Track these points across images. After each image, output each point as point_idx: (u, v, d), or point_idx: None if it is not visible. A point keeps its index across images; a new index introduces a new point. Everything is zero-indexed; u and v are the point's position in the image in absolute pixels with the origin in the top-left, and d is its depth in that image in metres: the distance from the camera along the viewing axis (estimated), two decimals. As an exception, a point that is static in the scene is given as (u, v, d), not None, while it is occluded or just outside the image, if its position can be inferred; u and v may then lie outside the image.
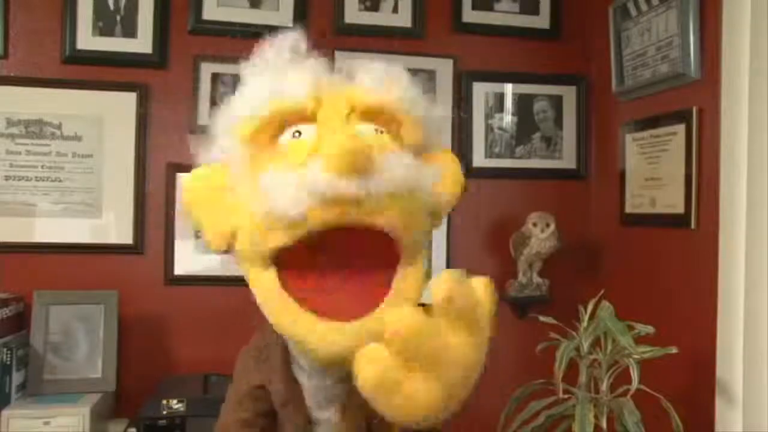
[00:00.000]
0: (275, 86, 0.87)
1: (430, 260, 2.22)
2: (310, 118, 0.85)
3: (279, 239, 0.82)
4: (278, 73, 0.88)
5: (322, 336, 0.81)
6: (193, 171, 0.93)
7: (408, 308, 0.72)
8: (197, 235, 1.99)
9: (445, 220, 2.09)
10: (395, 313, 0.70)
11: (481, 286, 0.76)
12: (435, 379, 0.70)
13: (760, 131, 1.48)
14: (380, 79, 0.89)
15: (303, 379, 0.97)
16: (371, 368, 0.70)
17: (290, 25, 2.03)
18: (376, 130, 0.87)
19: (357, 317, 0.81)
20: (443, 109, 1.01)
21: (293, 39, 0.93)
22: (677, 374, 1.68)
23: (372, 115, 0.87)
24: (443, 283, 0.71)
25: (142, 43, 1.98)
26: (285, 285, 0.84)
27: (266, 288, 0.85)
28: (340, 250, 0.84)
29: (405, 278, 0.86)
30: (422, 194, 0.86)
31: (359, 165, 0.75)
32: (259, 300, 0.87)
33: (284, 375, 0.98)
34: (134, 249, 1.96)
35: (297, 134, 0.85)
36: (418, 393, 0.70)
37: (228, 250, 0.91)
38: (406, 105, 0.88)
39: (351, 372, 0.87)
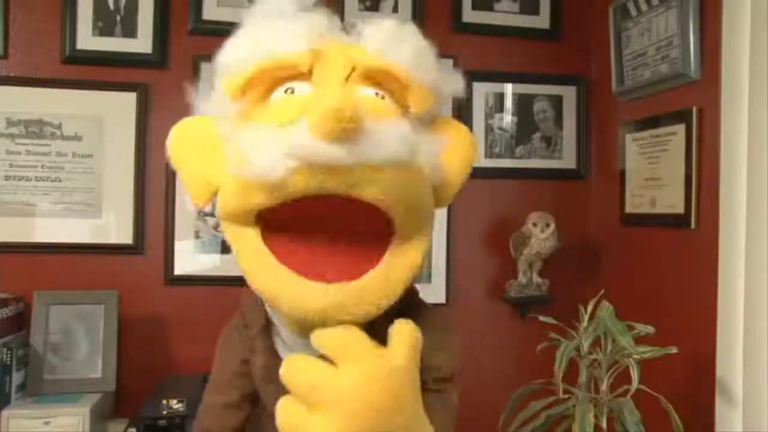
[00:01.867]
0: (270, 39, 0.80)
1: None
2: (305, 75, 0.79)
3: (258, 199, 0.76)
4: (275, 24, 0.81)
5: (301, 294, 0.75)
6: (182, 120, 0.89)
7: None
8: (197, 235, 1.99)
9: (445, 220, 2.12)
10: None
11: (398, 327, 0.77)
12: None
13: (760, 131, 1.48)
14: (388, 38, 0.82)
15: (283, 354, 0.91)
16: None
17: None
18: (378, 94, 0.80)
19: (341, 279, 0.76)
20: (460, 80, 0.91)
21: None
22: (677, 374, 1.68)
23: (375, 77, 0.80)
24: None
25: (142, 43, 1.98)
26: (267, 242, 0.79)
27: (246, 245, 0.80)
28: (331, 216, 0.78)
29: (398, 254, 0.80)
30: (420, 168, 0.79)
31: (346, 129, 0.68)
32: (238, 258, 0.81)
33: (266, 349, 0.92)
34: (134, 249, 1.96)
35: (290, 91, 0.79)
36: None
37: (212, 211, 0.86)
38: (413, 69, 0.80)
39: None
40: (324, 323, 0.76)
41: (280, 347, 0.92)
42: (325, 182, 0.72)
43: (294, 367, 0.77)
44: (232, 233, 0.82)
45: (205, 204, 0.84)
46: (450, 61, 2.14)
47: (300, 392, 0.76)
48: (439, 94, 0.85)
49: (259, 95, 0.80)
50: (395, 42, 0.82)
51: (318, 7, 0.86)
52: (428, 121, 0.85)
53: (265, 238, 0.80)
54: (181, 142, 0.87)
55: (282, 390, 0.86)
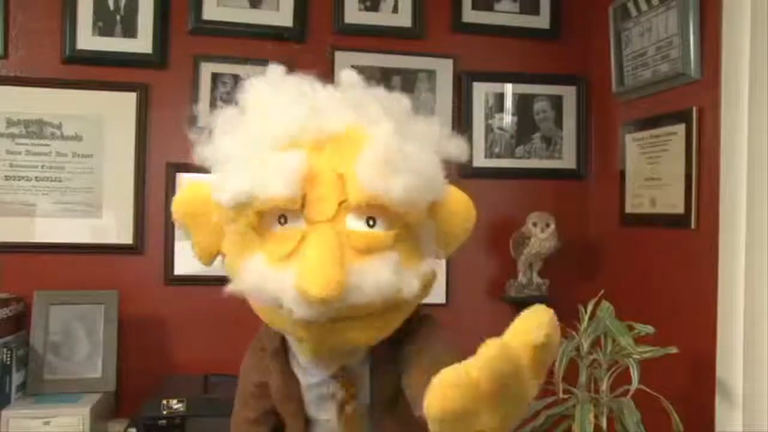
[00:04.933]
0: (260, 178, 0.82)
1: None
2: (298, 210, 0.83)
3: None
4: (263, 159, 0.84)
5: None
6: (182, 190, 0.98)
7: (504, 349, 0.65)
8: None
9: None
10: (492, 352, 0.64)
11: (553, 324, 0.73)
12: (502, 413, 0.66)
13: (760, 131, 1.48)
14: (381, 163, 0.81)
15: (300, 376, 0.98)
16: (451, 393, 0.62)
17: (290, 25, 2.03)
18: (368, 220, 0.84)
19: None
20: (464, 148, 0.95)
21: (277, 74, 0.92)
22: (677, 374, 1.68)
23: (365, 208, 0.83)
24: (542, 327, 0.68)
25: (142, 43, 1.98)
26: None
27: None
28: None
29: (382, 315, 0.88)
30: (407, 293, 0.85)
31: (331, 302, 0.77)
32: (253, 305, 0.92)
33: (282, 371, 0.98)
34: (134, 249, 1.96)
35: (282, 220, 0.85)
36: (486, 426, 0.65)
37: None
38: (404, 200, 0.82)
39: (347, 371, 0.90)
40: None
41: (296, 368, 0.98)
42: (315, 319, 0.81)
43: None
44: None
45: (208, 264, 0.98)
46: (450, 61, 2.15)
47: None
48: (436, 187, 0.89)
49: (253, 220, 0.86)
50: (389, 167, 0.82)
51: (312, 82, 0.91)
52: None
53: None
54: (183, 210, 0.95)
55: (298, 408, 0.98)
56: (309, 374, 0.96)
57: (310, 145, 0.84)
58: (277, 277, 0.81)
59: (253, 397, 1.04)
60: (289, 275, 0.79)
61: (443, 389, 0.61)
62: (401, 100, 0.95)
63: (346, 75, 0.93)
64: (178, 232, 1.98)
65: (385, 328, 0.88)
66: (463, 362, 0.63)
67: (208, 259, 0.95)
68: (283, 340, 0.99)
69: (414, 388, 0.86)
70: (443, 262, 2.14)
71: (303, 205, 0.83)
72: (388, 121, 0.85)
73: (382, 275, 0.82)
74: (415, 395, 0.84)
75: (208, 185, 0.91)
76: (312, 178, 0.83)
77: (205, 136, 0.92)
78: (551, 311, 0.70)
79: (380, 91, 0.94)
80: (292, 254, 0.81)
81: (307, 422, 1.01)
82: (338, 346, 0.88)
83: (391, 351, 0.92)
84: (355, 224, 0.83)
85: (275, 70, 0.93)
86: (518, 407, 0.67)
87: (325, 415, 0.98)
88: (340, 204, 0.83)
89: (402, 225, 0.85)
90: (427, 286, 0.91)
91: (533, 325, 0.68)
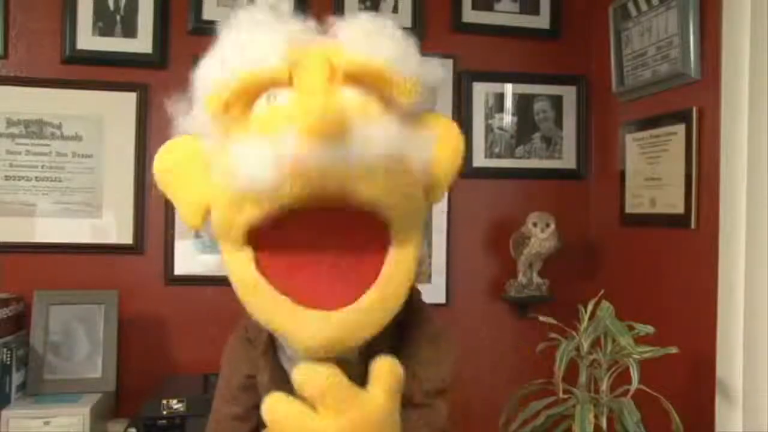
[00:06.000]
0: (246, 51, 0.77)
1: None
2: (286, 83, 0.76)
3: (251, 213, 0.74)
4: (250, 36, 0.79)
5: (305, 326, 0.74)
6: (166, 143, 0.87)
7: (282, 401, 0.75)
8: (197, 234, 1.99)
9: (445, 220, 2.12)
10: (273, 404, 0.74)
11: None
12: None
13: (759, 131, 1.48)
14: (365, 35, 0.78)
15: (290, 369, 0.88)
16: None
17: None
18: (362, 93, 0.77)
19: (341, 304, 0.75)
20: (440, 69, 0.88)
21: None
22: (677, 374, 1.68)
23: (357, 76, 0.77)
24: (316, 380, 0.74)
25: (142, 43, 1.98)
26: (261, 266, 0.77)
27: (240, 269, 0.77)
28: (324, 232, 0.76)
29: (396, 263, 0.78)
30: (412, 166, 0.77)
31: (334, 130, 0.66)
32: (233, 283, 0.79)
33: (270, 365, 0.92)
34: (134, 249, 1.96)
35: (273, 98, 0.76)
36: None
37: (204, 228, 0.83)
38: (395, 64, 0.77)
39: (340, 362, 0.81)
40: (327, 354, 0.75)
41: (284, 361, 0.91)
42: (320, 186, 0.70)
43: (275, 408, 0.78)
44: (224, 255, 0.80)
45: (200, 226, 0.83)
46: (450, 61, 2.15)
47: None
48: (423, 86, 0.81)
49: (240, 110, 0.78)
50: (373, 37, 0.78)
51: (294, 16, 0.84)
52: (416, 117, 0.82)
53: (259, 261, 0.77)
54: (168, 165, 0.86)
55: None
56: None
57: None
58: (269, 143, 0.70)
59: (244, 390, 0.96)
60: (287, 132, 0.68)
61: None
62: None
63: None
64: (178, 232, 1.98)
65: (393, 298, 0.78)
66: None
67: (199, 218, 0.82)
68: (270, 337, 0.91)
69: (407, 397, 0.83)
70: (444, 262, 2.16)
71: (291, 82, 0.76)
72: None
73: (388, 129, 0.74)
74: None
75: (190, 137, 0.85)
76: (297, 58, 0.77)
77: (186, 106, 0.86)
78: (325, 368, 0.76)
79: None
80: (285, 119, 0.71)
81: None
82: (340, 342, 0.76)
83: (385, 343, 0.85)
84: (350, 94, 0.76)
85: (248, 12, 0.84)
86: None
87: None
88: (329, 77, 0.76)
89: (395, 108, 0.78)
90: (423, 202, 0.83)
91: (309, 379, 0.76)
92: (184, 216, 0.84)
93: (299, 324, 0.74)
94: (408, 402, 0.84)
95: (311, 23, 0.84)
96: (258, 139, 0.72)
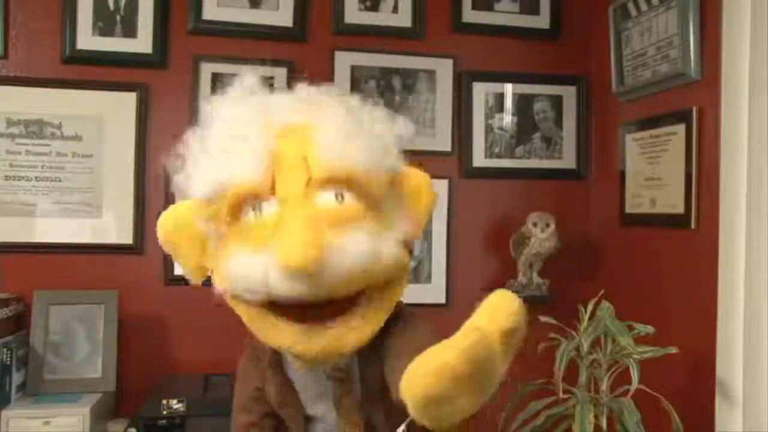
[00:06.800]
0: (230, 163, 0.88)
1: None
2: (269, 193, 0.88)
3: (245, 300, 0.91)
4: (233, 140, 0.90)
5: (301, 341, 0.87)
6: (165, 212, 1.00)
7: (482, 336, 0.68)
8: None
9: (445, 220, 2.12)
10: (469, 340, 0.67)
11: (522, 310, 0.79)
12: (479, 395, 0.70)
13: (759, 131, 1.48)
14: (339, 139, 0.89)
15: (296, 380, 1.01)
16: (429, 381, 0.66)
17: (290, 25, 2.04)
18: (336, 195, 0.89)
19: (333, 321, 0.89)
20: (408, 126, 1.00)
21: (249, 82, 0.97)
22: (677, 374, 1.68)
23: (332, 182, 0.88)
24: (509, 314, 0.75)
25: (142, 43, 1.98)
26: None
27: (244, 309, 0.93)
28: None
29: (369, 306, 0.91)
30: (385, 260, 0.89)
31: (311, 269, 0.80)
32: (241, 316, 0.94)
33: (276, 375, 1.02)
34: (134, 249, 1.96)
35: (257, 209, 0.88)
36: (464, 409, 0.70)
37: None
38: (365, 166, 0.89)
39: (341, 370, 0.94)
40: (325, 360, 0.90)
41: (289, 371, 1.02)
42: (301, 296, 0.84)
43: None
44: (234, 305, 0.95)
45: (200, 281, 0.99)
46: (450, 61, 2.15)
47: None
48: (391, 162, 0.94)
49: (228, 215, 0.90)
50: (345, 142, 0.89)
51: (268, 85, 0.98)
52: (390, 186, 0.94)
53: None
54: (168, 235, 0.99)
55: (297, 410, 1.02)
56: (304, 377, 0.99)
57: (272, 135, 0.90)
58: (259, 261, 0.85)
59: (255, 401, 1.06)
60: (270, 255, 0.83)
61: (424, 377, 0.64)
62: (351, 97, 1.00)
63: (299, 88, 1.00)
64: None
65: (375, 318, 0.92)
66: (441, 346, 0.66)
67: (199, 276, 0.99)
68: (276, 352, 1.02)
69: (396, 374, 0.87)
70: (444, 262, 2.16)
71: (273, 190, 0.88)
72: (339, 107, 0.94)
73: (360, 240, 0.86)
74: (396, 380, 0.85)
75: (191, 204, 0.96)
76: (278, 161, 0.88)
77: (180, 164, 0.97)
78: (517, 297, 0.78)
79: (332, 89, 1.00)
80: (270, 237, 0.85)
81: (308, 420, 1.03)
82: (334, 350, 0.90)
83: (376, 343, 0.94)
84: (325, 199, 0.88)
85: (237, 87, 1.00)
86: (491, 389, 0.71)
87: (323, 412, 1.01)
88: (307, 183, 0.88)
89: (368, 196, 0.90)
90: (403, 256, 0.94)
91: (504, 311, 0.75)
92: (188, 275, 1.00)
93: (299, 339, 0.87)
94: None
95: (284, 94, 0.97)
96: (247, 258, 0.86)
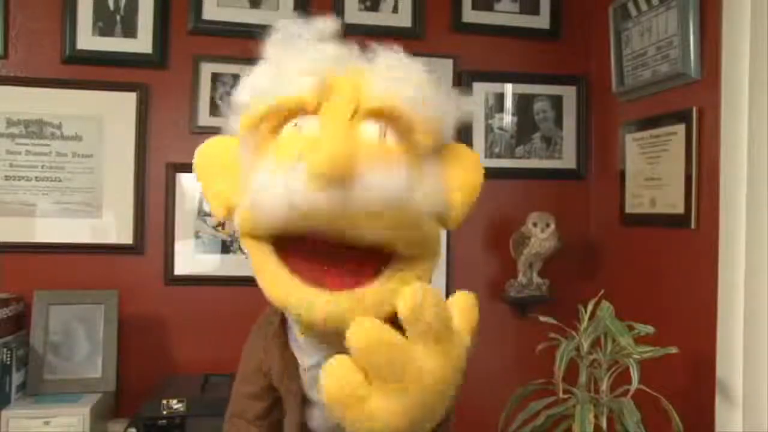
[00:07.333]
0: (281, 77, 0.84)
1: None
2: (314, 112, 0.83)
3: (267, 231, 0.83)
4: (287, 59, 0.86)
5: (307, 303, 0.80)
6: (207, 141, 0.95)
7: (370, 320, 0.71)
8: (197, 235, 2.00)
9: (445, 220, 2.12)
10: (357, 324, 0.70)
11: (461, 299, 0.77)
12: (399, 395, 0.69)
13: (760, 131, 1.48)
14: (394, 74, 0.85)
15: (299, 357, 0.97)
16: (331, 380, 0.70)
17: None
18: (382, 130, 0.83)
19: (342, 290, 0.81)
20: (470, 104, 0.95)
21: (321, 24, 0.91)
22: (677, 374, 1.68)
23: (379, 114, 0.83)
24: (411, 294, 0.72)
25: (142, 43, 1.98)
26: (280, 256, 0.84)
27: (262, 259, 0.86)
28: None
29: (390, 280, 0.83)
30: (417, 208, 0.82)
31: (339, 175, 0.73)
32: (254, 270, 0.87)
33: (281, 352, 0.99)
34: (134, 249, 1.96)
35: (297, 127, 0.83)
36: (378, 411, 0.69)
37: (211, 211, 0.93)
38: (416, 106, 0.83)
39: (345, 351, 0.88)
40: (328, 327, 0.80)
41: (295, 349, 0.98)
42: (323, 227, 0.77)
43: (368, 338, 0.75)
44: (249, 247, 0.88)
45: (225, 217, 0.91)
46: (450, 61, 2.15)
47: (376, 362, 0.74)
48: (444, 125, 0.88)
49: (270, 128, 0.84)
50: (400, 77, 0.84)
51: (335, 36, 0.90)
52: (435, 151, 0.88)
53: (278, 250, 0.85)
54: (205, 160, 0.94)
55: (298, 390, 0.97)
56: (307, 355, 0.96)
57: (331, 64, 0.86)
58: (286, 175, 0.77)
59: (256, 372, 1.04)
60: (300, 169, 0.75)
61: (323, 375, 0.68)
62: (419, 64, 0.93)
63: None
64: (178, 232, 1.98)
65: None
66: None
67: (226, 210, 0.90)
68: (283, 322, 0.99)
69: None
70: (444, 262, 2.16)
71: (319, 110, 0.82)
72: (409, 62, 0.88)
73: (395, 175, 0.79)
74: None
75: (232, 139, 0.91)
76: (330, 85, 0.83)
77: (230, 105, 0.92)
78: (431, 287, 0.74)
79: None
80: (303, 150, 0.78)
81: (305, 402, 1.01)
82: (340, 321, 0.81)
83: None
84: (369, 131, 0.82)
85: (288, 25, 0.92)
86: (421, 386, 0.70)
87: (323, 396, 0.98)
88: (354, 111, 0.82)
89: (413, 144, 0.84)
90: (435, 232, 0.88)
91: (405, 295, 0.73)
92: (212, 208, 0.93)
93: (305, 301, 0.80)
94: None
95: (349, 48, 0.90)
96: (275, 173, 0.79)
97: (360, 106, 0.83)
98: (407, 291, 0.73)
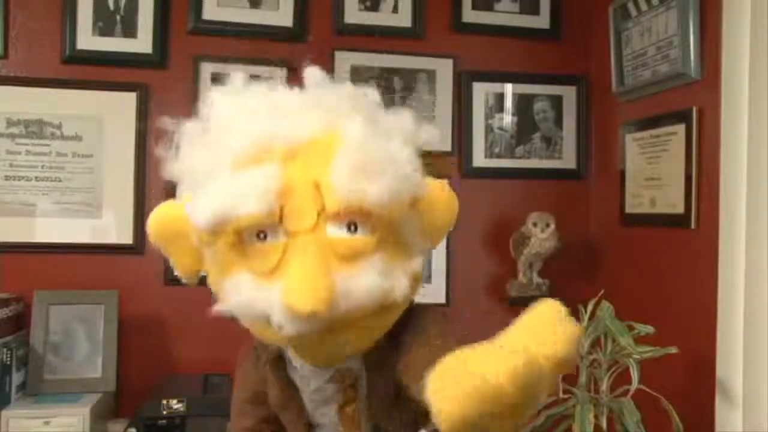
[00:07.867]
0: (234, 197, 0.79)
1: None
2: (276, 223, 0.80)
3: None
4: (234, 176, 0.80)
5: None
6: (157, 208, 0.96)
7: (532, 362, 0.60)
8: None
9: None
10: (517, 363, 0.58)
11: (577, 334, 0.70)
12: (517, 422, 0.61)
13: (760, 131, 1.48)
14: (355, 169, 0.79)
15: (298, 381, 0.97)
16: (469, 403, 0.56)
17: (290, 25, 2.04)
18: (350, 226, 0.81)
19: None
20: (433, 132, 0.92)
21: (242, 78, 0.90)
22: (677, 374, 1.68)
23: (344, 214, 0.80)
24: (566, 340, 0.68)
25: (142, 43, 1.98)
26: None
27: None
28: None
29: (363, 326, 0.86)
30: (392, 299, 0.83)
31: (321, 312, 0.74)
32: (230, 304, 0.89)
33: (279, 378, 0.98)
34: (134, 249, 1.96)
35: (262, 236, 0.81)
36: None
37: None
38: (382, 199, 0.79)
39: (344, 373, 0.89)
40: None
41: (292, 373, 0.97)
42: (306, 334, 0.79)
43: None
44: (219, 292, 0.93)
45: (192, 281, 0.97)
46: (450, 61, 2.15)
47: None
48: (411, 187, 0.85)
49: (230, 243, 0.84)
50: (363, 169, 0.79)
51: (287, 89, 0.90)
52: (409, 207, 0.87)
53: None
54: (159, 228, 0.95)
55: (300, 414, 0.96)
56: (307, 380, 0.95)
57: (281, 155, 0.81)
58: (262, 295, 0.79)
59: (252, 404, 1.02)
60: (274, 291, 0.77)
61: (463, 396, 0.55)
62: (369, 94, 0.91)
63: (310, 73, 0.90)
64: (178, 232, 1.98)
65: (378, 331, 0.87)
66: (481, 356, 0.58)
67: (192, 278, 0.95)
68: (280, 348, 0.97)
69: (410, 370, 0.85)
70: (444, 262, 2.16)
71: (281, 219, 0.80)
72: (357, 119, 0.83)
73: (370, 280, 0.80)
74: (413, 375, 0.82)
75: (181, 205, 0.90)
76: (287, 190, 0.80)
77: (172, 151, 0.92)
78: (568, 315, 0.71)
79: (348, 87, 0.91)
80: (275, 269, 0.79)
81: (308, 427, 0.99)
82: (334, 354, 0.88)
83: (385, 346, 0.90)
84: (336, 232, 0.80)
85: (237, 79, 0.90)
86: (531, 413, 0.63)
87: (325, 419, 0.97)
88: (318, 213, 0.80)
89: (384, 226, 0.82)
90: (416, 282, 0.89)
91: (559, 336, 0.67)
92: (179, 274, 0.97)
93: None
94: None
95: (296, 92, 0.89)
96: (250, 285, 0.82)
97: (324, 209, 0.80)
98: (570, 332, 0.70)
